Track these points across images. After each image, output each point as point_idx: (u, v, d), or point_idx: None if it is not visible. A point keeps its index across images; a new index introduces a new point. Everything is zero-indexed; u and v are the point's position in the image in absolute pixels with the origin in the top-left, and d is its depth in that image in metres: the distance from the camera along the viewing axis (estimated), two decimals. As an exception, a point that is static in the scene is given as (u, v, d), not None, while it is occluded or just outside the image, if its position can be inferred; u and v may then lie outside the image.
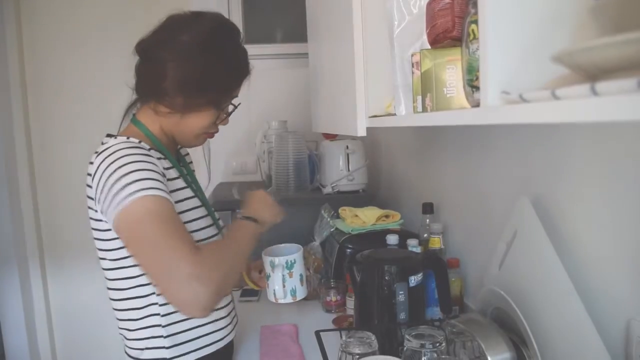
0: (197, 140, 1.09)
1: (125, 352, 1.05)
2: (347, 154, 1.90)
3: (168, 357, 0.99)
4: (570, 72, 0.48)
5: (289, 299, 1.14)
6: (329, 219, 1.56)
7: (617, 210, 0.75)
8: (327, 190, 1.90)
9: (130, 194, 0.85)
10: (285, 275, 1.13)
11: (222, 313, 1.08)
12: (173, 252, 0.83)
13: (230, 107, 1.10)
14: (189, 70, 0.98)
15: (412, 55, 0.86)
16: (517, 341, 0.81)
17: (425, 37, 0.84)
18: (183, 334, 1.00)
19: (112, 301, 1.03)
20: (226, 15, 2.49)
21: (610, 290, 0.77)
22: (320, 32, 1.64)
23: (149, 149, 0.96)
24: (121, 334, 1.05)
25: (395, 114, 0.95)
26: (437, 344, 0.83)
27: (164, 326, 0.99)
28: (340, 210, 1.62)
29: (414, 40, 0.90)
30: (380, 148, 2.20)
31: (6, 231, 2.43)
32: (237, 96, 1.09)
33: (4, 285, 2.46)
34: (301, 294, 1.15)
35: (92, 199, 0.94)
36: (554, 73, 0.51)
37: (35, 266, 2.57)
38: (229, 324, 1.10)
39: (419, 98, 0.82)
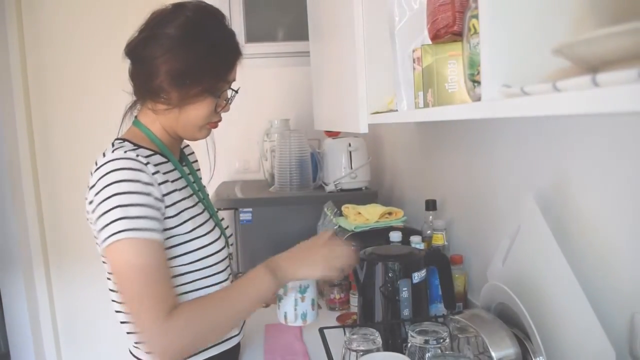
0: (201, 133, 1.07)
1: (132, 353, 1.05)
2: (350, 152, 1.90)
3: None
4: (571, 64, 0.48)
5: (299, 323, 1.13)
6: (332, 217, 1.56)
7: (621, 205, 0.75)
8: (330, 188, 1.90)
9: (114, 234, 0.86)
10: (297, 299, 1.12)
11: None
12: (143, 315, 0.85)
13: (229, 93, 1.09)
14: (178, 63, 0.97)
15: (413, 51, 0.86)
16: (521, 336, 0.81)
17: (426, 32, 0.84)
18: None
19: (116, 304, 1.02)
20: (227, 15, 2.50)
21: (614, 285, 0.77)
22: (321, 29, 1.64)
23: (146, 163, 0.94)
24: (129, 338, 1.04)
25: (397, 110, 0.95)
26: (441, 340, 0.83)
27: None
28: (343, 208, 1.62)
29: (415, 36, 0.90)
30: (383, 145, 2.19)
31: (10, 234, 2.44)
32: (234, 80, 1.07)
33: (9, 288, 2.47)
34: (312, 318, 1.15)
35: (88, 212, 0.95)
36: (555, 66, 0.51)
37: (40, 268, 2.58)
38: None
39: (421, 94, 0.82)
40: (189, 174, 1.10)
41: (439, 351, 0.81)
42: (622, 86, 0.32)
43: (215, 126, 1.10)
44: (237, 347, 1.13)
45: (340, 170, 1.90)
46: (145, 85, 1.00)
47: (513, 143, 1.05)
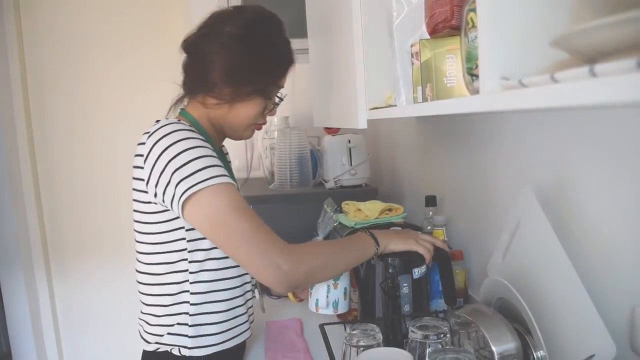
0: (245, 132, 1.11)
1: (142, 338, 1.06)
2: (349, 149, 1.90)
3: (190, 345, 1.01)
4: (569, 57, 0.48)
5: (330, 311, 1.14)
6: (332, 214, 1.56)
7: (621, 199, 0.74)
8: (330, 185, 1.90)
9: (202, 182, 0.89)
10: (330, 286, 1.14)
11: (243, 309, 1.09)
12: (266, 244, 0.91)
13: (277, 98, 1.13)
14: (234, 60, 1.01)
15: (411, 46, 0.86)
16: (522, 331, 0.81)
17: (424, 27, 0.84)
18: (207, 326, 1.02)
19: (141, 285, 1.04)
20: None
21: (614, 278, 0.77)
22: (320, 26, 1.64)
23: (200, 133, 0.98)
24: (142, 320, 1.06)
25: (395, 105, 0.95)
26: (442, 335, 0.83)
27: (191, 315, 1.00)
28: (343, 205, 1.61)
29: (414, 31, 0.90)
30: (382, 142, 2.19)
31: (10, 232, 2.44)
32: (283, 86, 1.12)
33: (10, 286, 2.48)
34: (343, 307, 1.15)
35: (141, 180, 0.96)
36: (553, 59, 0.50)
37: (40, 266, 2.58)
38: (246, 321, 1.11)
39: (419, 89, 0.82)
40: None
41: (440, 346, 0.81)
42: (620, 76, 0.31)
43: (260, 128, 1.14)
44: (244, 344, 1.14)
45: (340, 167, 1.90)
46: (199, 79, 1.04)
47: (513, 138, 1.05)
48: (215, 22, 1.04)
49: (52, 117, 2.56)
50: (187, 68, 1.07)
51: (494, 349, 0.78)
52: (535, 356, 0.78)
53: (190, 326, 1.00)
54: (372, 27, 1.08)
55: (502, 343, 0.78)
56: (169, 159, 0.90)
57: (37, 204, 2.56)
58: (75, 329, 2.67)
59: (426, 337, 0.82)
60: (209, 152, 0.93)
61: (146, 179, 0.94)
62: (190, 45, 1.05)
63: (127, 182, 2.81)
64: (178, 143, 0.91)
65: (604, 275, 0.78)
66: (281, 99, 1.14)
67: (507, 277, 0.87)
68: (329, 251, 1.01)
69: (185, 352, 1.00)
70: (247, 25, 1.03)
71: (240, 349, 1.13)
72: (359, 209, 1.53)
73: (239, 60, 1.01)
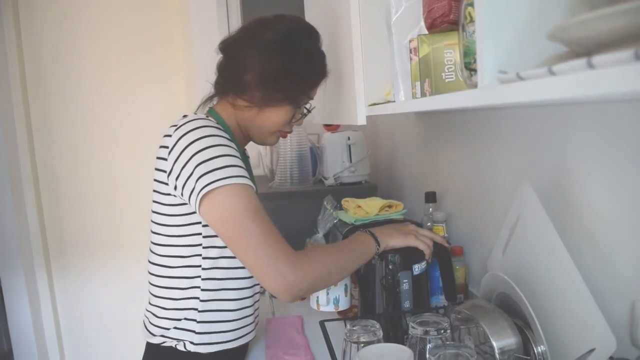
0: (270, 138, 1.12)
1: (147, 330, 1.06)
2: (349, 146, 1.90)
3: (196, 341, 1.01)
4: (567, 50, 0.47)
5: (331, 308, 1.14)
6: (332, 211, 1.56)
7: (620, 194, 0.74)
8: (330, 182, 1.90)
9: (222, 179, 0.89)
10: None
11: (250, 311, 1.09)
12: (275, 251, 0.89)
13: (305, 109, 1.14)
14: (270, 66, 1.02)
15: (409, 41, 0.86)
16: (522, 326, 0.81)
17: (422, 23, 0.84)
18: (215, 324, 1.02)
19: (152, 277, 1.04)
20: (224, 13, 2.49)
21: (614, 272, 0.77)
22: (318, 24, 1.64)
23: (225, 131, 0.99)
24: (149, 311, 1.06)
25: (394, 101, 0.95)
26: (442, 331, 0.83)
27: (200, 311, 1.00)
28: (343, 202, 1.61)
29: (412, 27, 0.89)
30: (382, 139, 2.19)
31: (11, 233, 2.44)
32: (312, 98, 1.13)
33: (11, 287, 2.48)
34: (344, 304, 1.15)
35: (163, 171, 0.96)
36: (551, 52, 0.50)
37: (41, 266, 2.58)
38: (252, 322, 1.11)
39: (418, 84, 0.82)
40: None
41: (440, 342, 0.81)
42: (618, 67, 0.31)
43: (285, 136, 1.15)
44: (247, 344, 1.14)
45: (340, 164, 1.90)
46: (233, 80, 1.05)
47: (512, 134, 1.05)
48: (255, 27, 1.06)
49: (52, 116, 2.56)
50: (222, 68, 1.09)
51: (494, 344, 0.78)
52: (535, 351, 0.78)
53: (198, 322, 1.00)
54: (370, 23, 1.09)
55: (503, 338, 0.78)
56: (193, 152, 0.90)
57: (37, 204, 2.56)
58: (76, 329, 2.68)
59: (426, 332, 0.82)
60: (233, 151, 0.94)
61: (168, 171, 0.94)
62: (228, 46, 1.07)
63: (126, 181, 2.82)
64: (204, 139, 0.91)
65: (604, 269, 0.78)
66: (309, 110, 1.15)
67: (507, 272, 0.87)
68: (334, 259, 1.00)
69: (191, 348, 1.00)
70: (286, 34, 1.05)
71: (243, 347, 1.13)
72: (359, 206, 1.52)
73: (274, 66, 1.03)
